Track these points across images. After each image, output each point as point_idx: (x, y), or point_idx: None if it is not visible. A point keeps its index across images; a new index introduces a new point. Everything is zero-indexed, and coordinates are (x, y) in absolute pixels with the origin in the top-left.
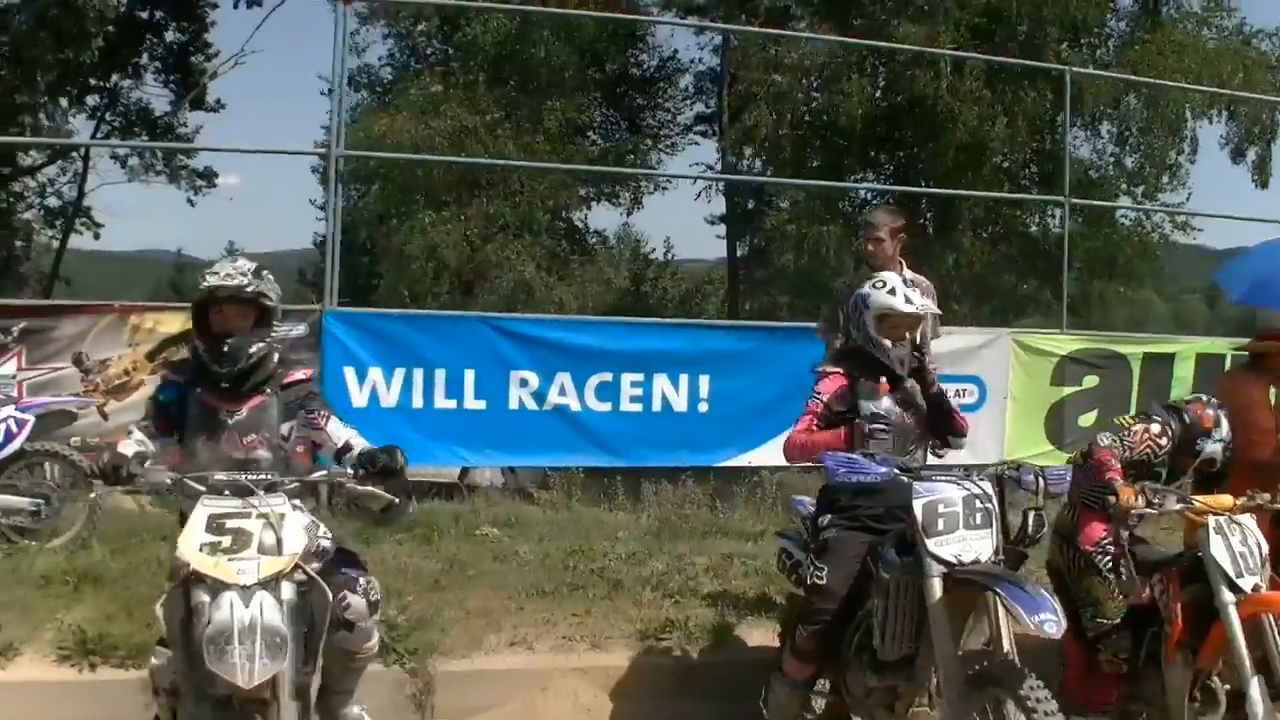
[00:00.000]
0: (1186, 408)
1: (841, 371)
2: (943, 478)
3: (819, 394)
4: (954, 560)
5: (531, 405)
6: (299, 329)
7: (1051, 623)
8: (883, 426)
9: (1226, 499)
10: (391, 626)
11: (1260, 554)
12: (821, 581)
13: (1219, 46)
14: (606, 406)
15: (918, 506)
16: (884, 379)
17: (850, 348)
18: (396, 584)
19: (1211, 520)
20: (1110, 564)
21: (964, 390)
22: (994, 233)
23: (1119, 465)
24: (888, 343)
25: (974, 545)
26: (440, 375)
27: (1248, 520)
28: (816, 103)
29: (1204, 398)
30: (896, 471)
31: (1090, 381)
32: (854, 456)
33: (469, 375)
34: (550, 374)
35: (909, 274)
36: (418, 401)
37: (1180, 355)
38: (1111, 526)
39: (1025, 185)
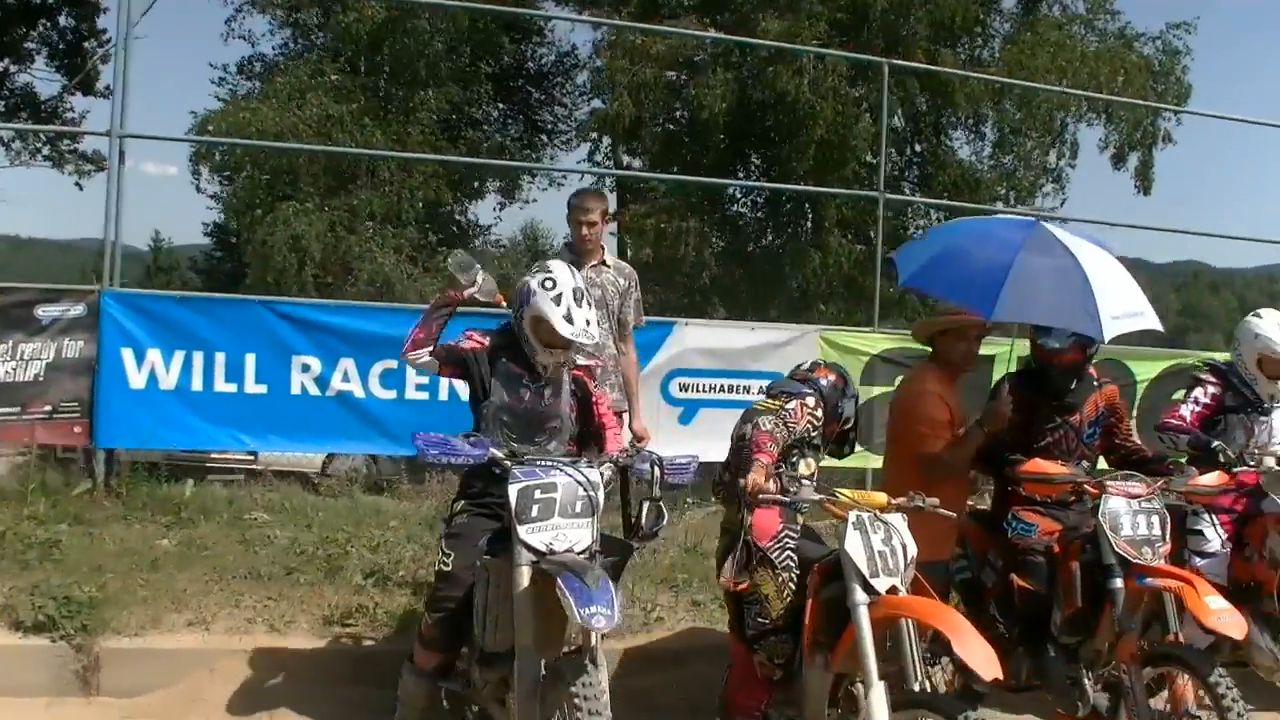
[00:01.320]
0: (814, 375)
1: (488, 343)
2: (550, 463)
3: (463, 338)
4: (544, 548)
5: (314, 390)
6: (77, 309)
7: (601, 617)
8: (507, 418)
9: (880, 496)
10: (66, 601)
11: (904, 555)
12: (448, 568)
13: (1099, 49)
14: (391, 394)
15: (512, 492)
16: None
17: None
18: (109, 563)
19: (852, 515)
20: (784, 556)
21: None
22: (861, 233)
23: (775, 449)
24: (537, 346)
25: (569, 534)
26: (220, 358)
27: (896, 520)
28: (681, 97)
29: (823, 362)
30: (493, 454)
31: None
32: (447, 437)
33: (249, 359)
34: (333, 359)
35: (612, 259)
36: (197, 384)
37: (1001, 357)
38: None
39: (903, 186)
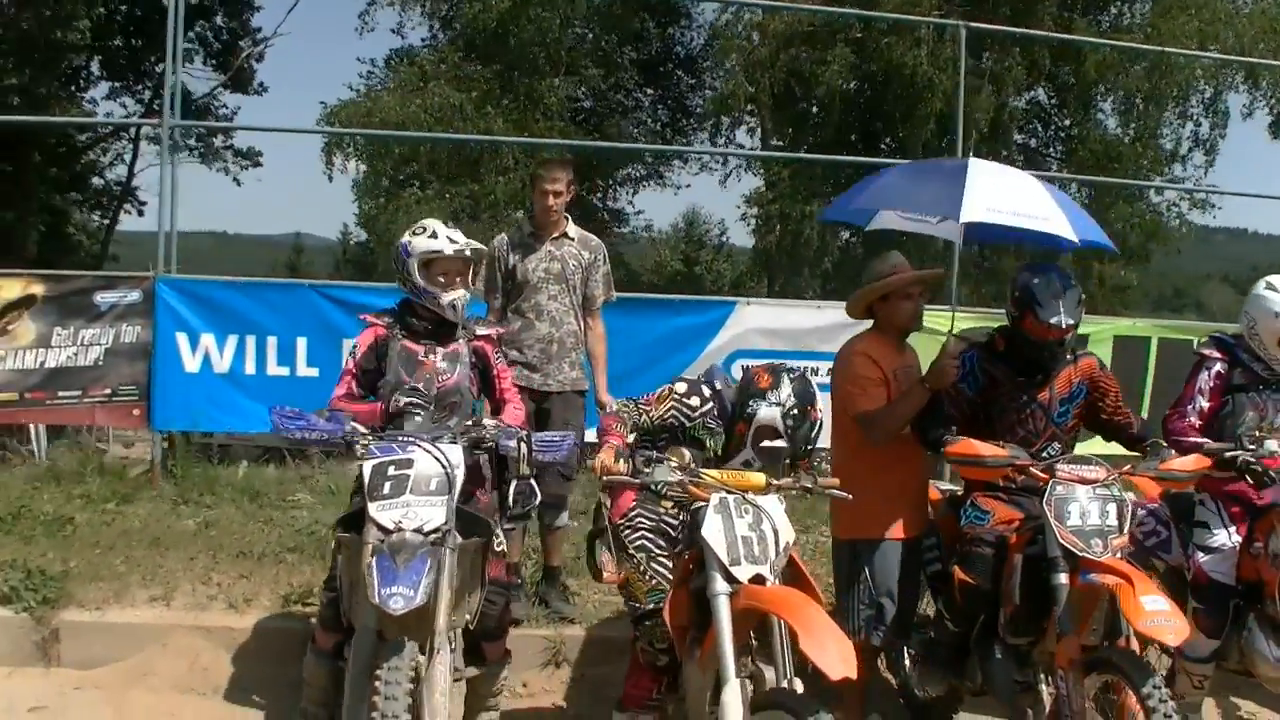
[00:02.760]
0: (750, 369)
1: (382, 323)
2: (409, 439)
3: (355, 348)
4: (393, 526)
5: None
6: (133, 295)
7: (399, 598)
8: (415, 399)
9: (758, 477)
10: (33, 574)
11: (775, 541)
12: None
13: (1252, 10)
14: None
15: (366, 468)
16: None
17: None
18: (111, 540)
19: (714, 498)
20: (637, 538)
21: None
22: None
23: (623, 429)
24: (437, 290)
25: (420, 512)
26: (272, 342)
27: (769, 502)
28: (798, 74)
29: (765, 367)
30: (350, 429)
31: None
32: (303, 412)
33: (300, 343)
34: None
35: (576, 231)
36: (250, 368)
37: (1095, 337)
38: (639, 497)
39: (1049, 161)
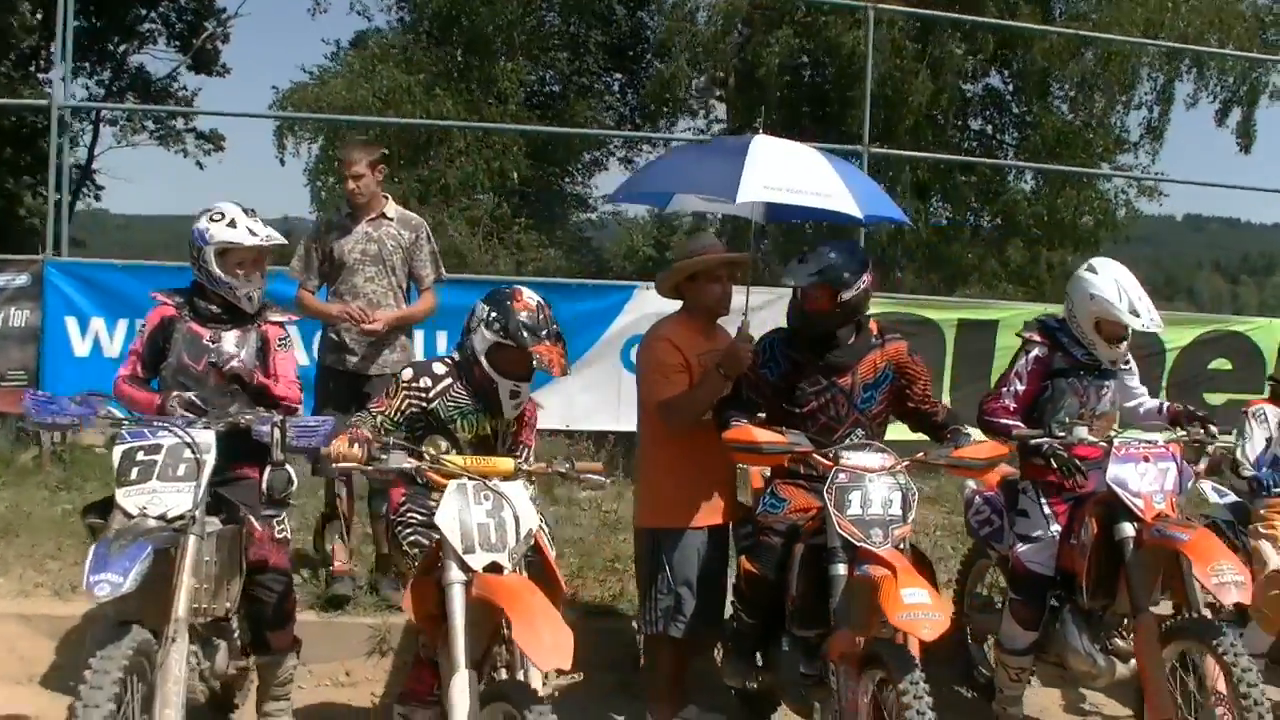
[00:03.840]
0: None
1: (172, 304)
2: (162, 424)
3: (143, 327)
4: (137, 512)
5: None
6: (21, 279)
7: (105, 584)
8: (185, 379)
9: (506, 463)
10: None
11: (515, 529)
12: None
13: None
14: None
15: (116, 454)
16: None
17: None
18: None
19: (452, 484)
20: (409, 534)
21: None
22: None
23: (365, 429)
24: (233, 281)
25: (165, 498)
26: None
27: (513, 489)
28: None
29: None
30: (103, 413)
31: None
32: (55, 396)
33: None
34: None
35: (395, 211)
36: None
37: (1005, 323)
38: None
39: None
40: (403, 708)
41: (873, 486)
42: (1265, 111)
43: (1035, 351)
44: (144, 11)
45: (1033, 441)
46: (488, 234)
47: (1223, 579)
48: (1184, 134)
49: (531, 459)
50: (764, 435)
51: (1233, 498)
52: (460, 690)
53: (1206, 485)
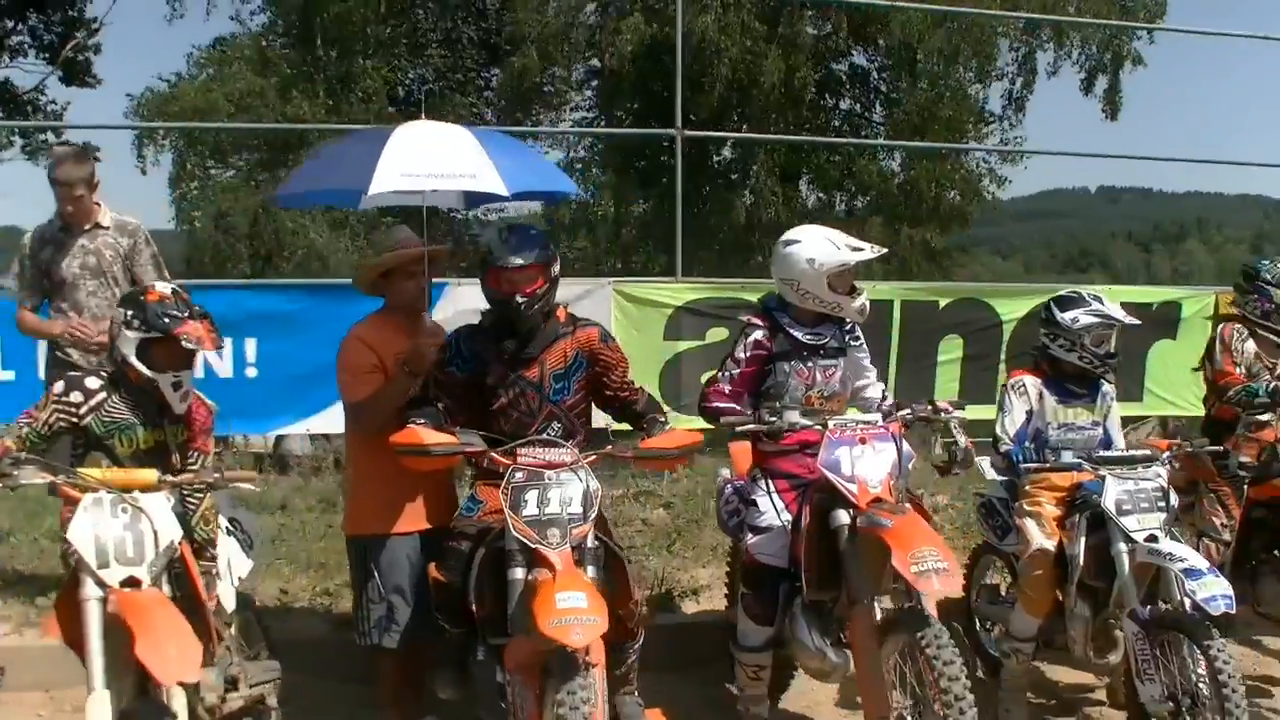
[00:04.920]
0: None
1: None
2: None
3: None
4: None
5: None
6: None
7: None
8: None
9: (148, 474)
10: None
11: (154, 543)
12: None
13: None
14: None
15: None
16: None
17: None
18: None
19: (87, 498)
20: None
21: None
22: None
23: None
24: None
25: None
26: None
27: (153, 502)
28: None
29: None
30: None
31: (717, 334)
32: None
33: None
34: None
35: (111, 219)
36: None
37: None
38: None
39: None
40: None
41: (552, 485)
42: (1129, 77)
43: (755, 335)
44: (12, 24)
45: (738, 429)
46: (353, 235)
47: (923, 568)
48: (1047, 105)
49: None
50: (432, 437)
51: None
52: (96, 712)
53: (985, 461)
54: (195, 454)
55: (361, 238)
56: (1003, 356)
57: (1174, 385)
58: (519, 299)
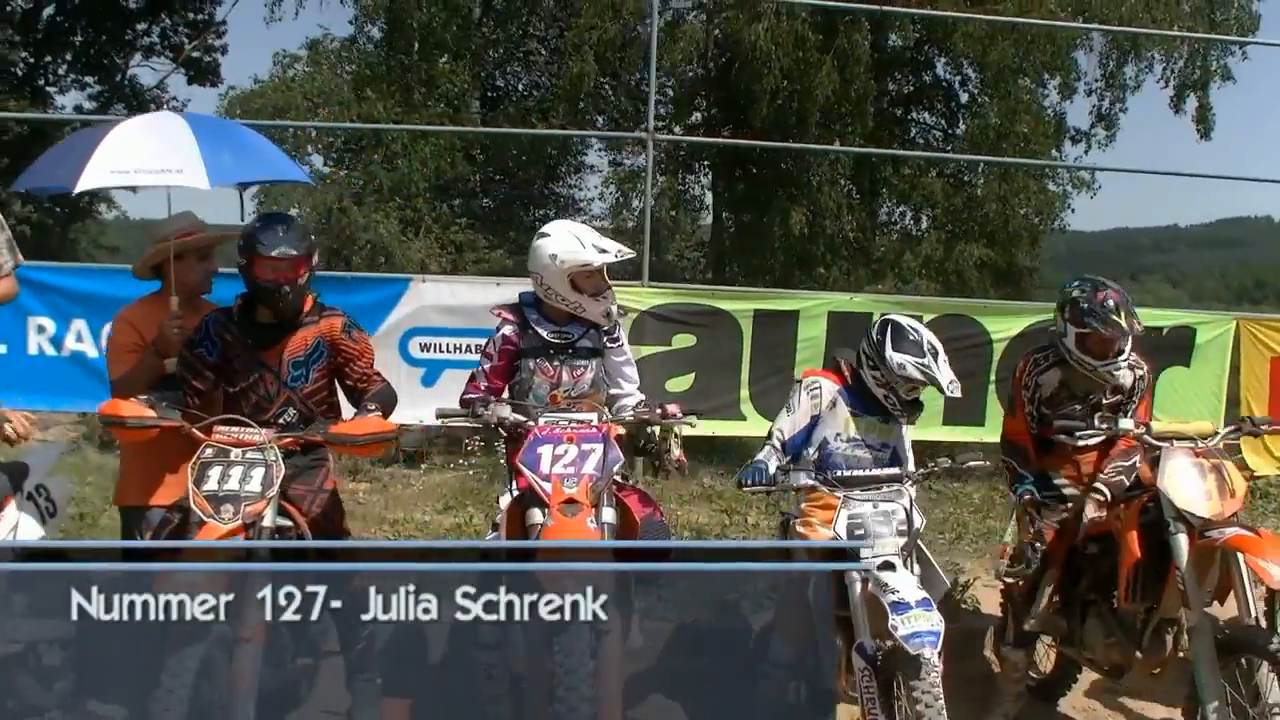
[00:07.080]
0: None
1: None
2: None
3: None
4: None
5: (50, 351)
6: None
7: None
8: None
9: None
10: None
11: None
12: None
13: None
14: None
15: None
16: None
17: None
18: None
19: None
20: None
21: None
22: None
23: None
24: None
25: None
26: None
27: None
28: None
29: None
30: None
31: (683, 340)
32: None
33: None
34: (66, 320)
35: None
36: None
37: (806, 313)
38: None
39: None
40: None
41: (236, 463)
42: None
43: (504, 330)
44: (144, 26)
45: (453, 424)
46: (426, 232)
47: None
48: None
49: None
50: (129, 409)
51: None
52: None
53: None
54: None
55: (433, 234)
56: (992, 376)
57: (1185, 416)
58: (286, 288)
